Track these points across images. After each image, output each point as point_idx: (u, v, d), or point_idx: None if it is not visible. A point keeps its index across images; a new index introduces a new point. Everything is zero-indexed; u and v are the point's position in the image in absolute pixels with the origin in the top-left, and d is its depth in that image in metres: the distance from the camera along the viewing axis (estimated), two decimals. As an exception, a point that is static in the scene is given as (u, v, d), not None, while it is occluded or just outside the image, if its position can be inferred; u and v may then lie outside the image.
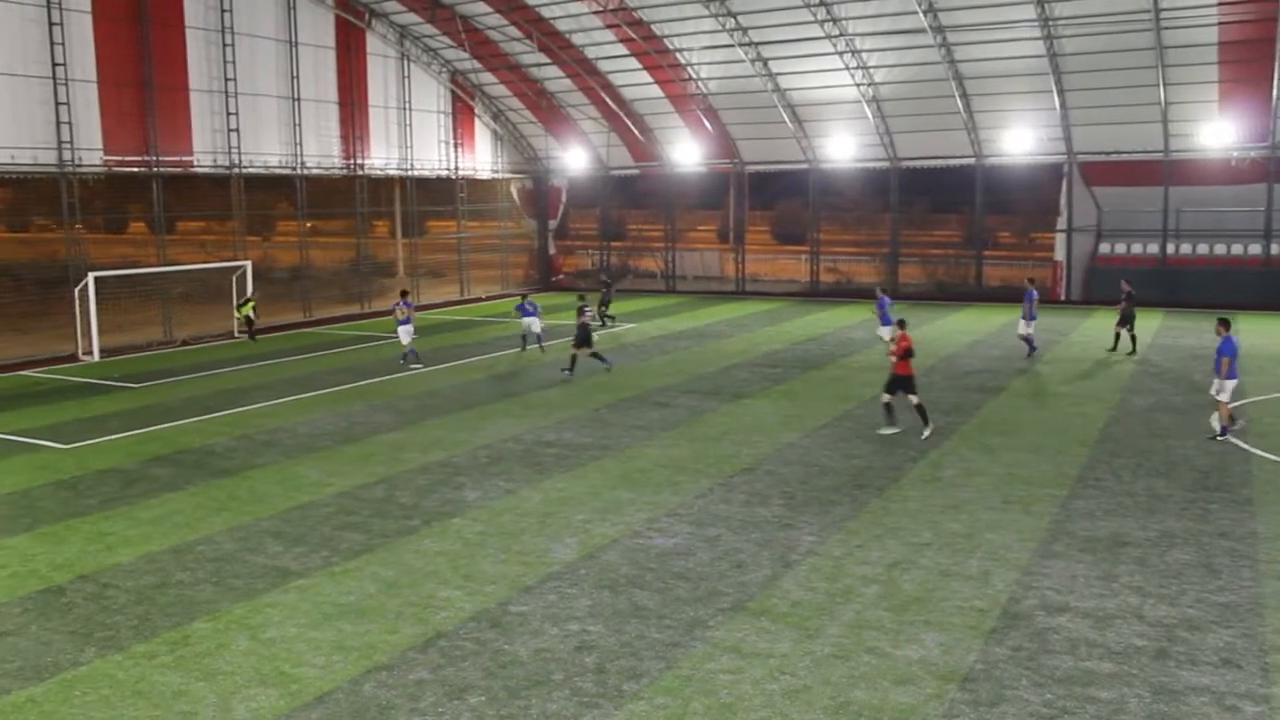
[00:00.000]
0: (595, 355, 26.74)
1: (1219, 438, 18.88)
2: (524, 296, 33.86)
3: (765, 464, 17.69)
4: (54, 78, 31.13)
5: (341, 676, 9.98)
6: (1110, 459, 17.72)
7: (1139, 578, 12.21)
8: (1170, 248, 40.64)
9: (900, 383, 19.57)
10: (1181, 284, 39.80)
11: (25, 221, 42.14)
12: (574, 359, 26.57)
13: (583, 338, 26.65)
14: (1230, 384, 18.85)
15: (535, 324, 30.87)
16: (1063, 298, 42.27)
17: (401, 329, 28.62)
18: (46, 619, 11.52)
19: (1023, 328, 28.58)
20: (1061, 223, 42.38)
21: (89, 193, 33.43)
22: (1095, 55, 36.58)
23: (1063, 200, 42.12)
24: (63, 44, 31.18)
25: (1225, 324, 19.39)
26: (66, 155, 31.58)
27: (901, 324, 20.33)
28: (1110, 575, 12.30)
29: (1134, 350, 28.76)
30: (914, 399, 19.53)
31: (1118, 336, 29.22)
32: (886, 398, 19.82)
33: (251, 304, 34.78)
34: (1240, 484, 16.10)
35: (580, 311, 27.53)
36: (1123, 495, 15.58)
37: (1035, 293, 28.73)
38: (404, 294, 29.80)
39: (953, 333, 33.73)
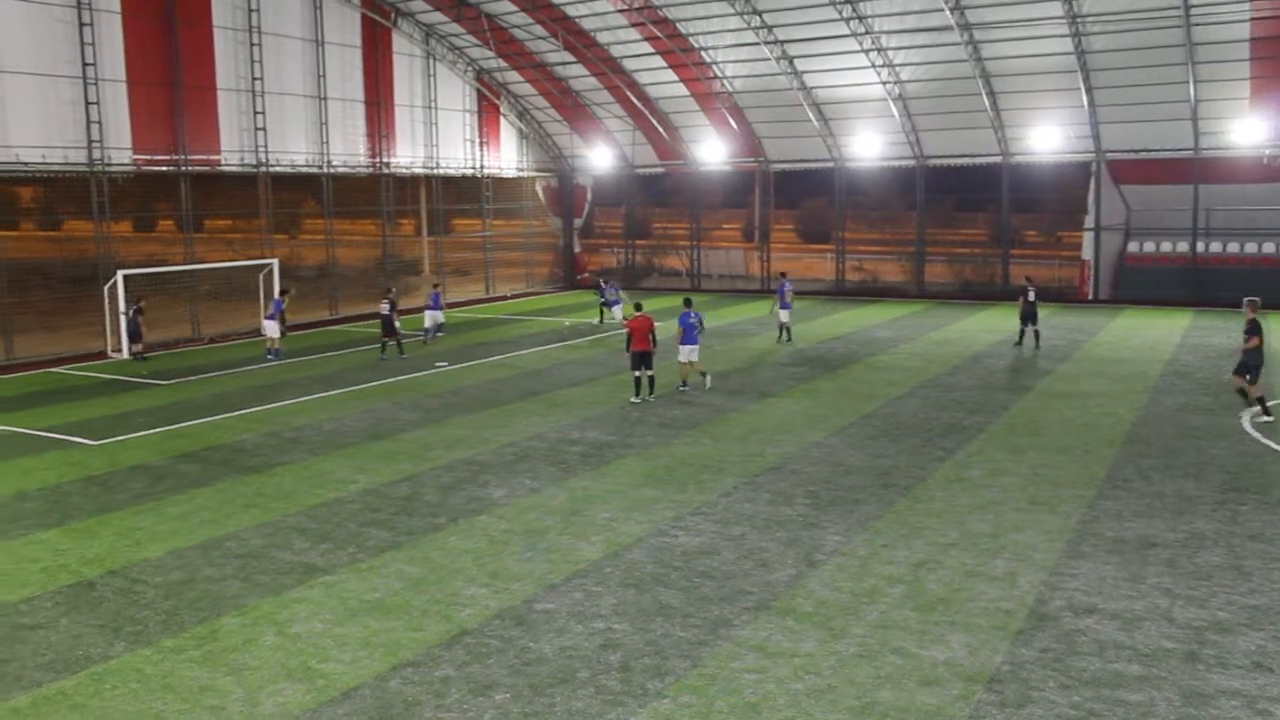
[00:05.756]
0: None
1: (705, 388, 23.93)
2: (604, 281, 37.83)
3: (791, 463, 17.65)
4: (84, 78, 31.40)
5: (367, 672, 10.03)
6: (1138, 459, 17.58)
7: (1168, 579, 12.11)
8: (1200, 246, 40.26)
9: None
10: (1211, 283, 39.41)
11: (55, 220, 42.51)
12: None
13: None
14: (684, 349, 23.65)
15: (617, 311, 35.20)
16: (1090, 297, 41.95)
17: (267, 322, 30.63)
18: (77, 613, 11.64)
19: (782, 316, 31.92)
20: (1089, 221, 42.04)
21: (118, 191, 33.64)
22: (1124, 52, 36.27)
23: (1090, 198, 41.78)
24: (93, 44, 31.45)
25: (688, 302, 24.60)
26: (96, 154, 31.86)
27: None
28: (1138, 577, 12.20)
29: (1036, 346, 29.78)
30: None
31: (1022, 334, 30.14)
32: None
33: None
34: (1271, 485, 15.93)
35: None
36: (1151, 496, 15.45)
37: (788, 284, 32.35)
38: (283, 292, 31.60)
39: (979, 332, 33.57)
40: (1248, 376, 20.38)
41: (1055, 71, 38.12)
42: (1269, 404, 20.68)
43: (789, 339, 31.91)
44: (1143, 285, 40.77)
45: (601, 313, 37.10)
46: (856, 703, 9.28)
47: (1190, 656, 10.11)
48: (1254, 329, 20.29)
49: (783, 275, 34.31)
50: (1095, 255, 42.02)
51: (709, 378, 24.35)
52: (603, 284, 37.47)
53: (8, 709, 9.44)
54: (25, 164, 30.34)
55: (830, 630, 10.82)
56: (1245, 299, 21.00)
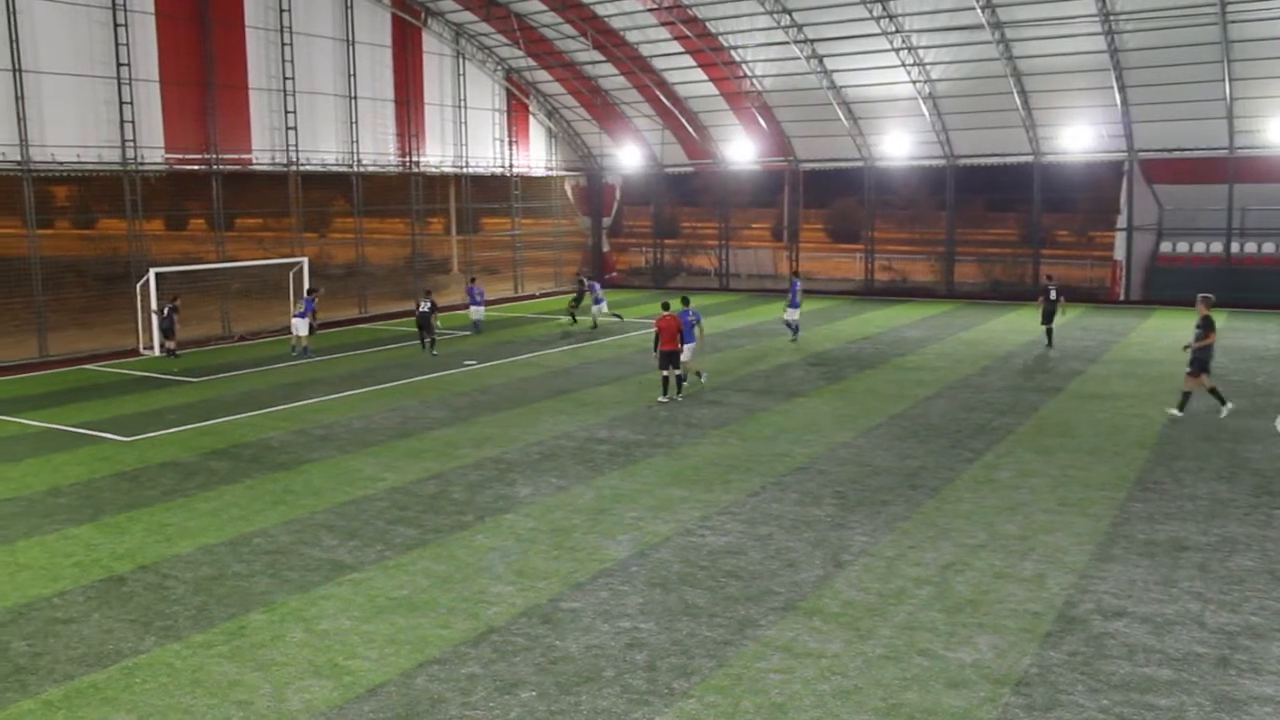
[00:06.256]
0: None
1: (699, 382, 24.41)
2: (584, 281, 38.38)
3: (818, 463, 17.59)
4: (118, 78, 31.73)
5: (394, 669, 10.08)
6: (1170, 462, 17.40)
7: (1199, 583, 11.98)
8: (1235, 247, 39.81)
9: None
10: (1246, 284, 38.94)
11: (90, 219, 42.97)
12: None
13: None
14: (687, 346, 23.64)
15: (603, 307, 35.78)
16: (1122, 298, 41.57)
17: (297, 321, 30.96)
18: (108, 607, 11.76)
19: (788, 314, 31.92)
20: (1121, 221, 41.66)
21: (150, 190, 34.00)
22: (1158, 50, 35.89)
23: (1123, 198, 41.41)
24: (127, 45, 31.78)
25: (685, 301, 24.73)
26: (130, 154, 32.20)
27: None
28: (1169, 580, 12.07)
29: (1050, 344, 30.11)
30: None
31: (1048, 335, 30.38)
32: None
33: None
34: (1306, 489, 15.74)
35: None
36: (1183, 499, 15.29)
37: (799, 283, 32.63)
38: (312, 291, 32.35)
39: (1008, 332, 33.34)
40: (1203, 375, 20.30)
41: (1087, 70, 37.80)
42: (1184, 404, 20.81)
43: (795, 338, 31.93)
44: (1175, 286, 40.22)
45: (576, 310, 37.42)
46: (883, 704, 9.24)
47: (1222, 662, 10.00)
48: (1208, 325, 20.21)
49: (795, 275, 34.48)
50: (1127, 255, 41.64)
51: (688, 382, 24.02)
52: (586, 283, 37.86)
53: (40, 701, 9.55)
54: (61, 163, 30.71)
55: (857, 631, 10.78)
56: (1199, 295, 21.00)
